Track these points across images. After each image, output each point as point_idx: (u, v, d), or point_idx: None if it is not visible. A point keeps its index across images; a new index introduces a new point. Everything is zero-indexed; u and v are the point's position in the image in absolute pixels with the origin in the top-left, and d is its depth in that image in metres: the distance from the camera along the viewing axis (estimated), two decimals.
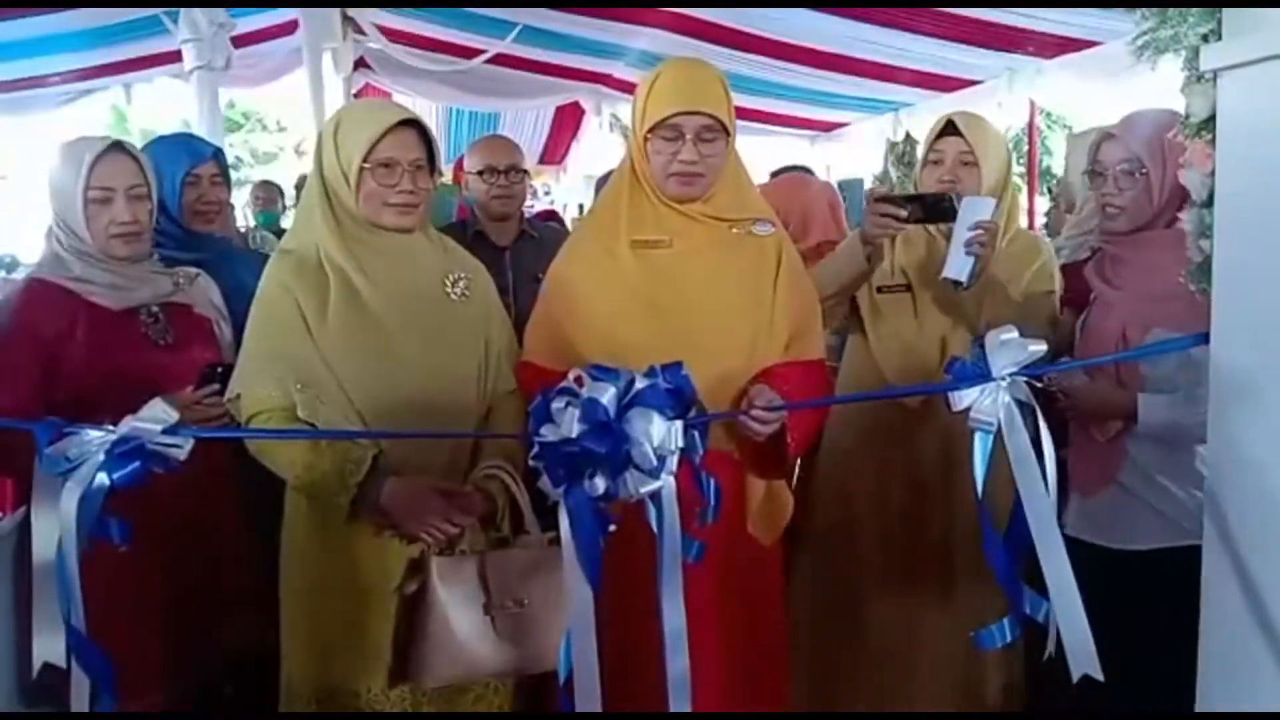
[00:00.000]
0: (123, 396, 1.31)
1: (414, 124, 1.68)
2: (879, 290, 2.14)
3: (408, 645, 1.61)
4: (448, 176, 4.03)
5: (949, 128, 2.10)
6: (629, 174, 1.76)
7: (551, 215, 4.31)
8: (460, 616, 1.57)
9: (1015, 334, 1.17)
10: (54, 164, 1.86)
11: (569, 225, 3.69)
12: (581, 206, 7.95)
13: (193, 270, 2.05)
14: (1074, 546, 1.83)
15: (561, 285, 1.79)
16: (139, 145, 2.08)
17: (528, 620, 1.58)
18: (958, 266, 1.91)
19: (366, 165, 1.63)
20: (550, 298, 1.80)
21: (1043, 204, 5.98)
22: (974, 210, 1.90)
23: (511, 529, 1.68)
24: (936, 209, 1.94)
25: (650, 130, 1.69)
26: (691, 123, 1.66)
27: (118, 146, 1.86)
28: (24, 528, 1.89)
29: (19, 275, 3.88)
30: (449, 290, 1.73)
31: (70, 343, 1.80)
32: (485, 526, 1.67)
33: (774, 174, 3.20)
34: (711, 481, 1.33)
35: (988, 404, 1.15)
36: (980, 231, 1.87)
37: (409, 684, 1.64)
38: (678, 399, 1.24)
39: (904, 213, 1.91)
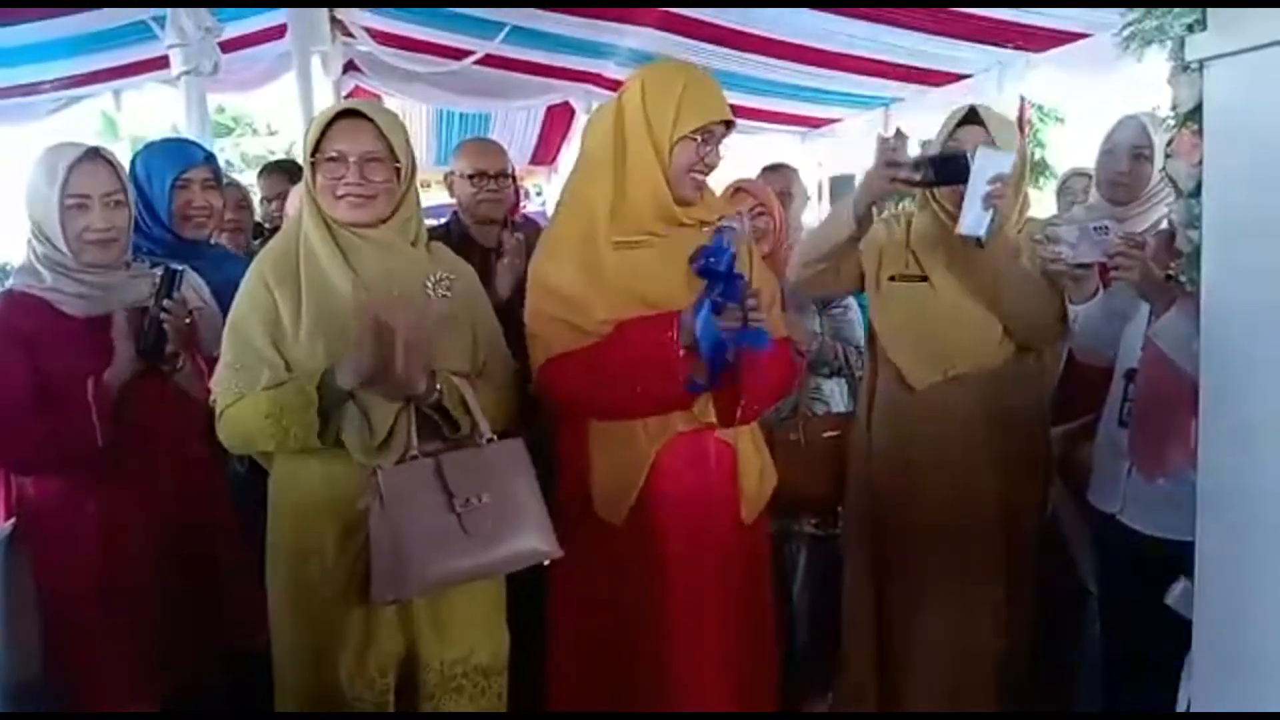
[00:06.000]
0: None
1: (363, 116, 1.68)
2: (891, 279, 2.13)
3: (378, 562, 1.56)
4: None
5: (970, 116, 2.07)
6: (624, 175, 1.78)
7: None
8: (423, 520, 1.53)
9: None
10: (32, 172, 1.85)
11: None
12: None
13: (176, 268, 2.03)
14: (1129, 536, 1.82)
15: (545, 288, 1.80)
16: (129, 152, 2.06)
17: (496, 514, 1.56)
18: (974, 221, 1.85)
19: (313, 159, 1.66)
20: (538, 299, 1.81)
21: (1036, 196, 5.98)
22: (990, 164, 1.83)
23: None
24: (951, 167, 1.86)
25: (683, 136, 1.74)
26: (719, 127, 1.79)
27: (94, 153, 1.85)
28: (12, 538, 1.89)
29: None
30: (430, 290, 1.72)
31: (43, 352, 1.80)
32: (440, 431, 1.65)
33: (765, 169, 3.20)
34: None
35: None
36: (998, 185, 1.83)
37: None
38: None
39: (918, 176, 1.86)
